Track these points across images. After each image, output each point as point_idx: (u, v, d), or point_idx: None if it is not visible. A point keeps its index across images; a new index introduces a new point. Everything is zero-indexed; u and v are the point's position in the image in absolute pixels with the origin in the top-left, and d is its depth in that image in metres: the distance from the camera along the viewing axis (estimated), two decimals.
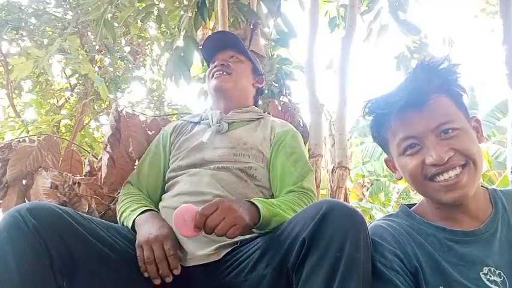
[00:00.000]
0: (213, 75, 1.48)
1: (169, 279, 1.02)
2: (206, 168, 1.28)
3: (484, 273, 0.85)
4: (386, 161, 1.04)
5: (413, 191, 10.76)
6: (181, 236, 1.10)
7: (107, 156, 1.48)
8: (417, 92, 0.89)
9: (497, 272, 0.85)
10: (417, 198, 11.78)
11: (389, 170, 1.06)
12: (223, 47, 1.52)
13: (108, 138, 1.53)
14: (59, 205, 0.99)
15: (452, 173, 0.86)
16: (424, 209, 0.99)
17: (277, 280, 0.93)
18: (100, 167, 1.59)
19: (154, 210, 1.23)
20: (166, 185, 1.37)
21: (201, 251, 1.10)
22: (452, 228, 0.91)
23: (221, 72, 1.45)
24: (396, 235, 0.92)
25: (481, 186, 0.96)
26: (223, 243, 1.10)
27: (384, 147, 1.01)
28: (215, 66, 1.48)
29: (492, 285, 0.84)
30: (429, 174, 0.87)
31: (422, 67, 0.91)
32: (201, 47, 3.06)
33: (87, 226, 0.98)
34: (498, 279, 0.84)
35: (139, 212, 1.18)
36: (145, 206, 1.23)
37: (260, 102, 1.72)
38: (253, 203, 1.00)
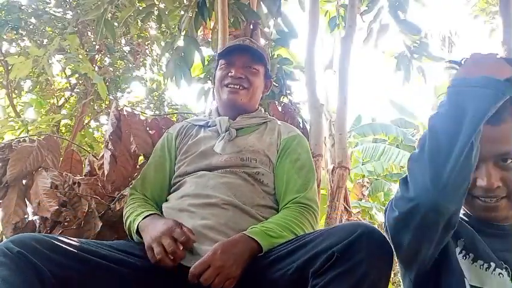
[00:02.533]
0: (227, 85, 1.41)
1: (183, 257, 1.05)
2: (213, 172, 1.28)
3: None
4: None
5: None
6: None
7: (109, 153, 1.49)
8: (499, 111, 0.86)
9: (504, 265, 0.91)
10: None
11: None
12: (240, 50, 1.45)
13: (109, 135, 1.53)
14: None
15: (494, 199, 0.92)
16: None
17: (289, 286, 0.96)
18: (100, 165, 1.60)
19: (158, 214, 1.25)
20: (172, 188, 1.36)
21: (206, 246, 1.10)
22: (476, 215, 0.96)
23: (238, 87, 1.40)
24: None
25: None
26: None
27: None
28: (231, 77, 1.40)
29: (497, 275, 0.89)
30: (476, 194, 0.92)
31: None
32: (201, 47, 3.08)
33: (74, 244, 1.01)
34: (504, 273, 0.90)
35: (143, 216, 1.20)
36: (148, 210, 1.24)
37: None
38: (252, 238, 1.06)
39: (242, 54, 1.44)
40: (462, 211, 0.98)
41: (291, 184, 1.27)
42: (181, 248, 1.06)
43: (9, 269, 0.89)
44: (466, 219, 0.98)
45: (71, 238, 1.06)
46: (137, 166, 1.61)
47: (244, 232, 1.08)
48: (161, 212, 1.30)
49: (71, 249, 1.00)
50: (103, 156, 1.57)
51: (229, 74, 1.41)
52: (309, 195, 1.26)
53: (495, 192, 0.90)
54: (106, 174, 1.47)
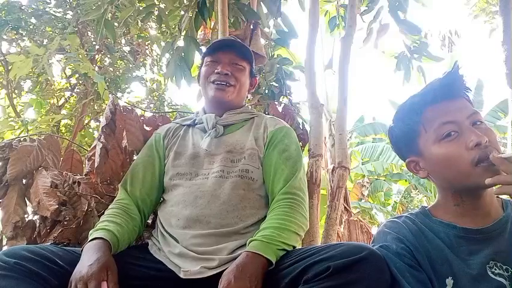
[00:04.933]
0: (213, 82, 1.41)
1: None
2: (205, 179, 1.28)
3: (489, 267, 0.92)
4: (408, 163, 1.07)
5: (415, 189, 10.76)
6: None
7: (101, 146, 1.48)
8: (452, 86, 0.99)
9: (504, 267, 0.91)
10: (417, 198, 11.79)
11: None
12: (225, 47, 1.46)
13: (102, 128, 1.53)
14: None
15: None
16: (439, 208, 1.05)
17: None
18: (90, 156, 1.59)
19: (104, 239, 1.12)
20: (164, 193, 1.36)
21: (192, 267, 1.11)
22: (464, 226, 0.97)
23: (224, 84, 1.40)
24: (408, 228, 1.01)
25: (496, 196, 1.03)
26: (207, 264, 1.11)
27: (410, 144, 1.04)
28: (217, 73, 1.41)
29: (497, 277, 0.90)
30: (477, 158, 0.91)
31: (457, 69, 0.99)
32: (201, 47, 3.08)
33: (69, 254, 1.05)
34: (505, 273, 0.91)
35: (92, 237, 1.13)
36: (102, 231, 1.15)
37: (251, 96, 1.69)
38: (259, 254, 1.03)
39: (227, 51, 1.44)
40: (445, 231, 0.99)
41: (278, 174, 1.27)
42: None
43: (14, 278, 0.91)
44: (452, 232, 0.98)
45: (65, 248, 1.08)
46: (130, 161, 1.59)
47: (248, 249, 1.05)
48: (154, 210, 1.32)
49: (68, 258, 1.03)
50: (94, 147, 1.56)
51: (215, 70, 1.41)
52: (295, 183, 1.26)
53: (489, 149, 0.91)
54: (95, 166, 1.47)
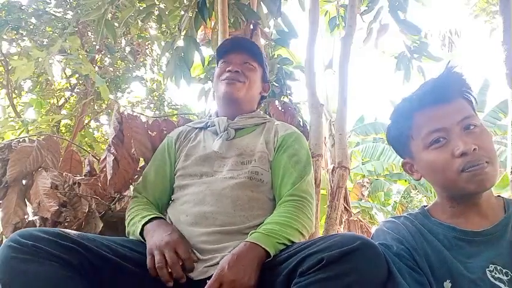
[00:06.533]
0: (224, 80, 1.44)
1: (183, 280, 1.05)
2: (214, 178, 1.29)
3: (489, 270, 0.90)
4: (403, 164, 1.08)
5: (415, 189, 10.77)
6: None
7: (112, 157, 1.48)
8: (444, 89, 0.97)
9: (504, 270, 0.90)
10: (417, 198, 11.80)
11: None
12: (237, 48, 1.50)
13: (112, 139, 1.53)
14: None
15: (479, 164, 0.92)
16: (437, 208, 1.04)
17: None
18: (102, 168, 1.59)
19: (163, 218, 1.28)
20: (174, 193, 1.38)
21: (196, 268, 1.12)
22: (463, 227, 0.96)
23: (234, 80, 1.43)
24: (407, 229, 1.00)
25: (498, 196, 1.03)
26: (209, 263, 1.11)
27: (403, 147, 1.05)
28: (228, 71, 1.44)
29: (496, 282, 0.89)
30: (462, 166, 0.91)
31: (449, 70, 0.98)
32: (201, 47, 3.08)
33: (82, 236, 1.02)
34: (504, 278, 0.89)
35: (148, 219, 1.22)
36: (154, 214, 1.26)
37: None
38: (258, 244, 1.04)
39: (239, 52, 1.48)
40: (444, 232, 0.98)
41: (286, 177, 1.29)
42: (181, 263, 1.07)
43: (34, 262, 0.89)
44: (451, 234, 0.97)
45: (75, 232, 1.06)
46: (138, 168, 1.60)
47: (248, 240, 1.07)
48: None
49: (80, 241, 1.01)
50: (104, 159, 1.56)
51: (227, 69, 1.45)
52: (302, 186, 1.27)
53: (476, 156, 0.90)
54: (108, 178, 1.47)
